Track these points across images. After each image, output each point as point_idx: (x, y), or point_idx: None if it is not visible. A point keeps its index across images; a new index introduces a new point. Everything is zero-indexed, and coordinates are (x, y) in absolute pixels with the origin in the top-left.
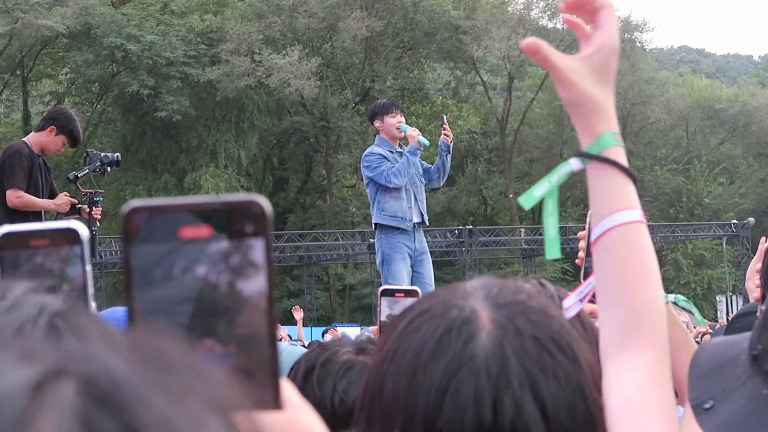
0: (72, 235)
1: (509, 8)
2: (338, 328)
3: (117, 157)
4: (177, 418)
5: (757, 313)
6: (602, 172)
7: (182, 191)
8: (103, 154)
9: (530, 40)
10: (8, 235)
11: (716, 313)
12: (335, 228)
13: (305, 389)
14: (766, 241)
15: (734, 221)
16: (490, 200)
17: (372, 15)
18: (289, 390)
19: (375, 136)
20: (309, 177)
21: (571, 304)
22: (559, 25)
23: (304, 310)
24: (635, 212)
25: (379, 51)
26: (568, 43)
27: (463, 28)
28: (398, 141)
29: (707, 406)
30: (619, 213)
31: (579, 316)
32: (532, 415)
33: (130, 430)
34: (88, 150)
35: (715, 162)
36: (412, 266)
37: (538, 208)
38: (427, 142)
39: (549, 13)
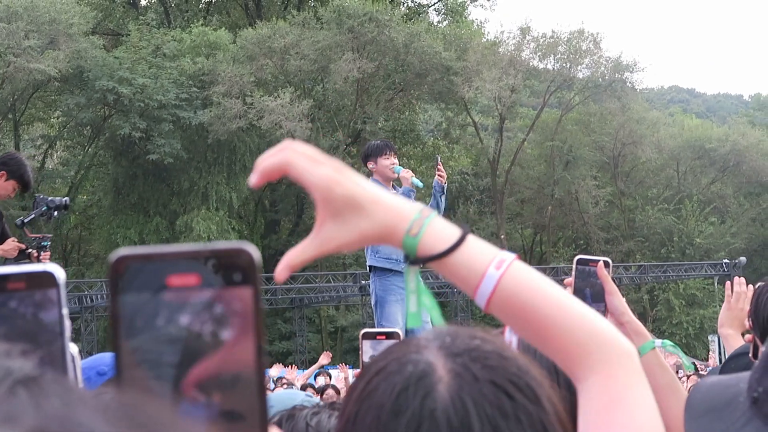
0: (48, 279)
1: (500, 49)
2: (330, 371)
3: (65, 201)
4: None
5: (749, 354)
6: (435, 265)
7: (174, 234)
8: (50, 199)
9: (281, 269)
10: None
11: (708, 352)
12: (327, 270)
13: None
14: (733, 286)
15: (725, 261)
16: (483, 241)
17: (363, 57)
18: None
19: (368, 177)
20: (300, 219)
21: (508, 339)
22: (550, 66)
23: (295, 352)
24: (490, 274)
25: (370, 92)
26: (559, 83)
27: (454, 69)
28: (392, 183)
29: None
30: (480, 287)
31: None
32: None
33: None
34: (36, 195)
35: (706, 201)
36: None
37: (530, 248)
38: (420, 184)
39: (540, 53)
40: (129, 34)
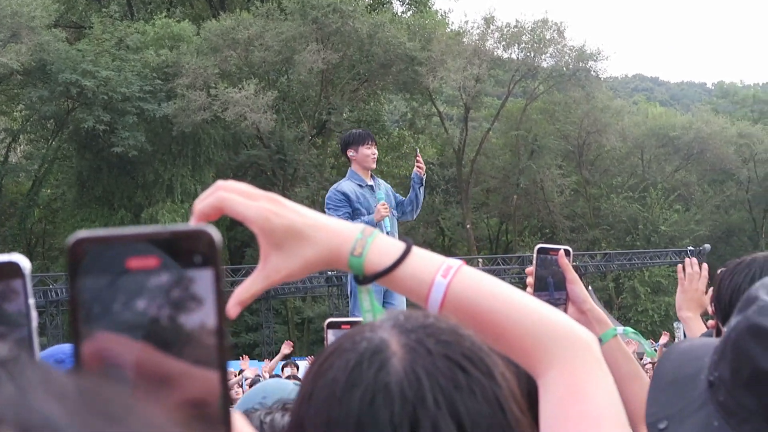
0: (13, 269)
1: (464, 39)
2: (298, 362)
3: None
4: None
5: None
6: (384, 281)
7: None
8: None
9: (231, 304)
10: None
11: (674, 339)
12: None
13: None
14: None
15: (690, 248)
16: (448, 231)
17: (327, 48)
18: (240, 423)
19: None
20: None
21: None
22: (514, 55)
23: (262, 344)
24: (437, 284)
25: (335, 83)
26: (524, 72)
27: (418, 60)
28: (370, 173)
29: (661, 426)
30: (430, 298)
31: None
32: None
33: None
34: None
35: (671, 189)
36: (384, 298)
37: (496, 237)
38: (382, 197)
39: (504, 43)
40: (92, 27)
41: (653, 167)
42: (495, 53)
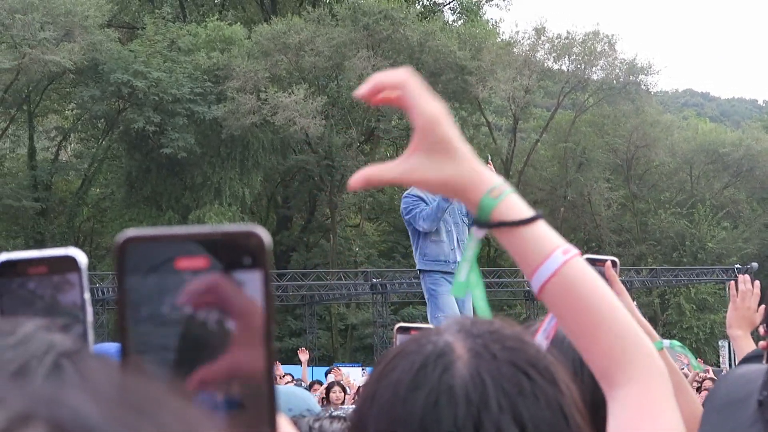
0: (70, 263)
1: (515, 49)
2: (340, 368)
3: None
4: None
5: (764, 359)
6: (504, 234)
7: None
8: None
9: (356, 178)
10: (6, 263)
11: (719, 358)
12: (338, 267)
13: None
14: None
15: (737, 266)
16: (493, 242)
17: (378, 54)
18: (286, 427)
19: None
20: (313, 216)
21: (539, 342)
22: (564, 67)
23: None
24: (555, 257)
25: None
26: (574, 84)
27: (468, 69)
28: None
29: None
30: (541, 268)
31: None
32: None
33: None
34: None
35: (719, 206)
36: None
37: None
38: None
39: (555, 54)
40: (144, 28)
41: (702, 183)
42: (545, 64)
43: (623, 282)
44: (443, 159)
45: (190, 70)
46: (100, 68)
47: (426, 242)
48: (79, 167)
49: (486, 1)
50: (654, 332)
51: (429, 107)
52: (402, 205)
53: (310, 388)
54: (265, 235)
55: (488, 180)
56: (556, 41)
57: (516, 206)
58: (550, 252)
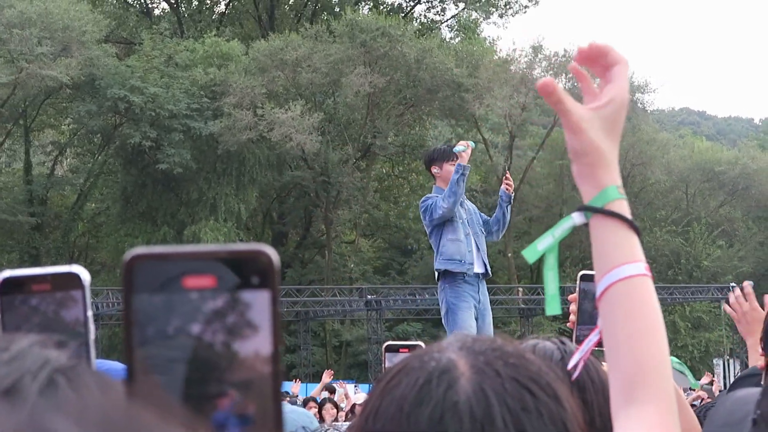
0: (73, 280)
1: (512, 67)
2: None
3: None
4: None
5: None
6: (606, 225)
7: (181, 244)
8: None
9: (547, 81)
10: (9, 280)
11: (714, 376)
12: (333, 284)
13: None
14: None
15: (733, 284)
16: (489, 258)
17: (375, 71)
18: None
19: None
20: (308, 232)
21: (575, 362)
22: (561, 84)
23: (299, 365)
24: (639, 265)
25: (381, 107)
26: None
27: (465, 86)
28: None
29: None
30: (624, 266)
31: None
32: None
33: None
34: None
35: (715, 224)
36: (475, 318)
37: (537, 267)
38: (462, 148)
39: (552, 72)
40: (142, 43)
41: (697, 202)
42: None
43: None
44: (609, 134)
45: (187, 85)
46: (96, 83)
47: (444, 241)
48: (74, 182)
49: (483, 19)
50: None
51: (626, 93)
52: (420, 211)
53: (305, 405)
54: (273, 255)
55: (618, 176)
56: (554, 59)
57: (628, 211)
58: (634, 259)
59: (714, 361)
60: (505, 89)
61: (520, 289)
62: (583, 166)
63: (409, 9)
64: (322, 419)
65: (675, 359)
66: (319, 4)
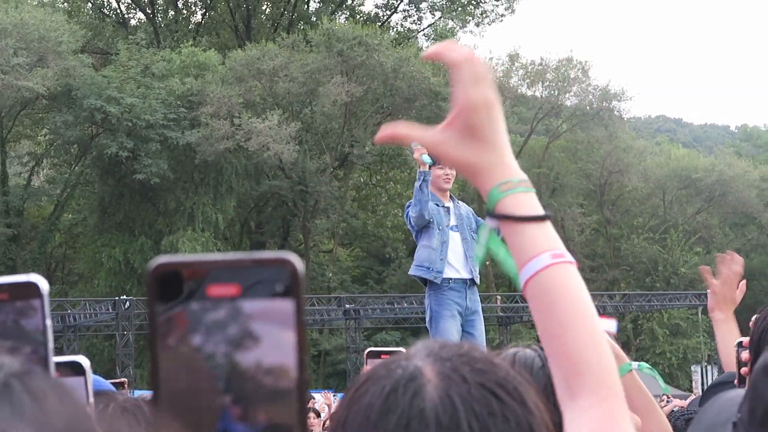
0: (32, 289)
1: (489, 76)
2: (314, 395)
3: None
4: None
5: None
6: (504, 226)
7: (159, 254)
8: None
9: (383, 131)
10: None
11: (691, 382)
12: (311, 293)
13: None
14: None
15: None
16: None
17: (352, 80)
18: None
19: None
20: (286, 241)
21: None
22: (538, 93)
23: None
24: (542, 258)
25: (358, 116)
26: (547, 110)
27: (442, 95)
28: (449, 194)
29: None
30: (528, 264)
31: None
32: None
33: None
34: None
35: (692, 231)
36: (462, 326)
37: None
38: (429, 160)
39: (528, 81)
40: (118, 53)
41: (675, 209)
42: (519, 90)
43: (596, 307)
44: (471, 143)
45: (164, 95)
46: (73, 94)
47: (418, 247)
48: (51, 193)
49: (460, 28)
50: (623, 353)
51: (474, 92)
52: (406, 218)
53: None
54: (298, 263)
55: (506, 174)
56: (530, 68)
57: (523, 204)
58: (540, 252)
59: (692, 368)
60: None
61: (498, 297)
62: (470, 179)
63: (385, 18)
64: None
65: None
66: (295, 14)
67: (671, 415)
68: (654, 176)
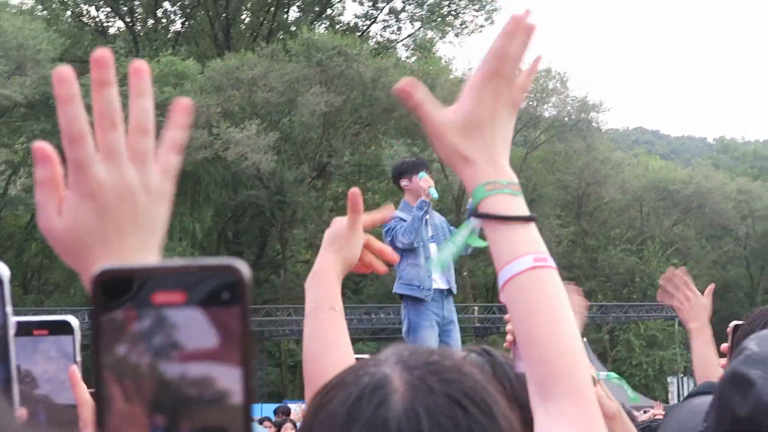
0: None
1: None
2: (291, 405)
3: None
4: None
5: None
6: (487, 226)
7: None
8: None
9: (405, 83)
10: None
11: (667, 394)
12: (288, 303)
13: None
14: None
15: None
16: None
17: (331, 90)
18: None
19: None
20: (264, 251)
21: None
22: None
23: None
24: (524, 260)
25: (337, 126)
26: (525, 121)
27: None
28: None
29: None
30: (509, 265)
31: (506, 373)
32: None
33: None
34: None
35: (669, 243)
36: (439, 336)
37: (493, 286)
38: (436, 195)
39: None
40: None
41: (652, 220)
42: None
43: None
44: (469, 133)
45: None
46: (51, 102)
47: (404, 265)
48: (28, 201)
49: (439, 38)
50: (590, 365)
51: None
52: (383, 229)
53: (260, 423)
54: (244, 270)
55: (495, 174)
56: None
57: (506, 205)
58: (521, 255)
59: (668, 379)
60: None
61: (476, 307)
62: (456, 172)
63: (365, 28)
64: None
65: (613, 374)
66: (275, 24)
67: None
68: (631, 188)
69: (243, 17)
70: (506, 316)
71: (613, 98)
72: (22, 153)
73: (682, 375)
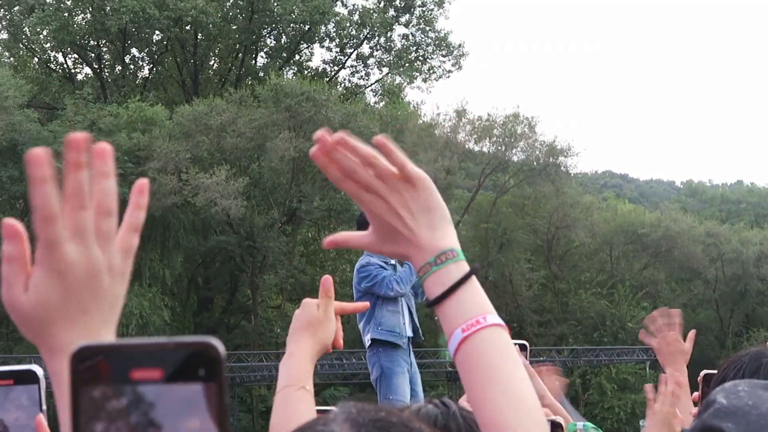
0: None
1: (436, 131)
2: None
3: None
4: None
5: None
6: (436, 309)
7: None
8: None
9: (327, 240)
10: None
11: None
12: (259, 349)
13: None
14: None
15: None
16: (416, 320)
17: (300, 136)
18: None
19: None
20: (234, 297)
21: None
22: (485, 149)
23: None
24: (456, 335)
25: (306, 171)
26: (494, 165)
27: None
28: None
29: None
30: (450, 342)
31: (459, 426)
32: None
33: None
34: None
35: (639, 286)
36: (412, 385)
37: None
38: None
39: (476, 136)
40: (65, 108)
41: (621, 264)
42: (466, 146)
43: (544, 362)
44: (392, 241)
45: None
46: (19, 149)
47: (383, 311)
48: None
49: (407, 84)
50: (567, 415)
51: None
52: (360, 274)
53: None
54: (220, 347)
55: (424, 258)
56: (477, 123)
57: (437, 281)
58: (454, 329)
59: (641, 423)
60: (430, 153)
61: (447, 352)
62: (396, 257)
63: (333, 74)
64: None
65: (590, 424)
66: (243, 69)
67: None
68: (601, 231)
69: (211, 63)
70: None
71: (581, 142)
72: None
73: None
